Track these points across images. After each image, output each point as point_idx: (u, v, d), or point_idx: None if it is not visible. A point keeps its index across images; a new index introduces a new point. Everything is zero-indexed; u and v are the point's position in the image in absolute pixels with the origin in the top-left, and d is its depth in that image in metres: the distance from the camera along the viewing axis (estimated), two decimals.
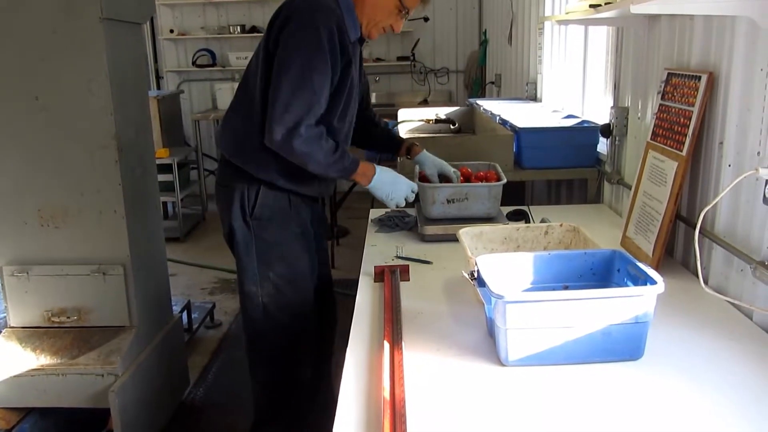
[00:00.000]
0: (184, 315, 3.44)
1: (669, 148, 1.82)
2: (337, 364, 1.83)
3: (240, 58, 6.63)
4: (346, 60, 1.85)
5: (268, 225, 1.97)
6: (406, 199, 2.00)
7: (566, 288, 1.47)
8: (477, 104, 3.93)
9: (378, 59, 6.74)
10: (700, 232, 1.46)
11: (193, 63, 6.96)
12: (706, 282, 1.55)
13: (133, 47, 2.52)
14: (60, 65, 2.25)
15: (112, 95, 2.26)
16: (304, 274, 2.05)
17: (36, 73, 2.26)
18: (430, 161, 2.23)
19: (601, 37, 3.14)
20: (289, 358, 2.09)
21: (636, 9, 1.52)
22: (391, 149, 2.35)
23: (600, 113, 3.02)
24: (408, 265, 1.87)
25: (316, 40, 1.76)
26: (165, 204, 5.60)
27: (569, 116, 3.18)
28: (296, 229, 2.02)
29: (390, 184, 1.96)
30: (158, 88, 7.02)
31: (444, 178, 2.22)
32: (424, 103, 6.61)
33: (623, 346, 1.30)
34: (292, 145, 1.78)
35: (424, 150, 2.26)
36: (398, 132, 2.50)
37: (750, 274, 1.47)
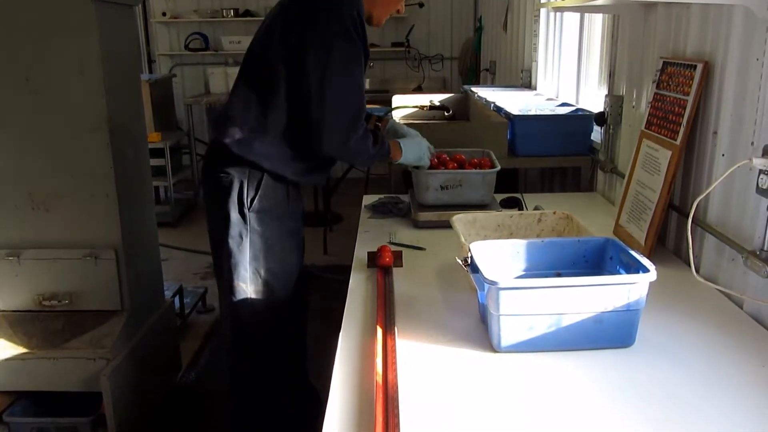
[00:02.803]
0: (177, 300, 3.44)
1: (663, 137, 1.83)
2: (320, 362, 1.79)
3: (233, 42, 6.56)
4: (365, 50, 1.85)
5: (264, 218, 1.93)
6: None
7: (559, 275, 1.48)
8: (471, 91, 3.92)
9: (372, 45, 6.69)
10: (692, 221, 1.47)
11: (186, 47, 6.90)
12: (697, 271, 1.56)
13: (125, 29, 2.49)
14: (51, 46, 2.22)
15: (104, 77, 2.24)
16: (293, 271, 2.02)
17: (26, 54, 2.23)
18: (393, 127, 2.23)
19: (597, 25, 3.13)
20: (276, 361, 2.05)
21: None
22: None
23: (595, 101, 3.02)
24: (401, 251, 1.87)
25: (347, 30, 1.74)
26: (157, 189, 5.57)
27: (564, 104, 3.17)
28: (291, 223, 2.00)
29: (416, 151, 2.06)
30: (150, 71, 6.96)
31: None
32: (419, 89, 6.58)
33: (615, 333, 1.31)
34: (349, 145, 1.80)
35: (389, 118, 2.29)
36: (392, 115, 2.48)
37: (741, 263, 1.48)
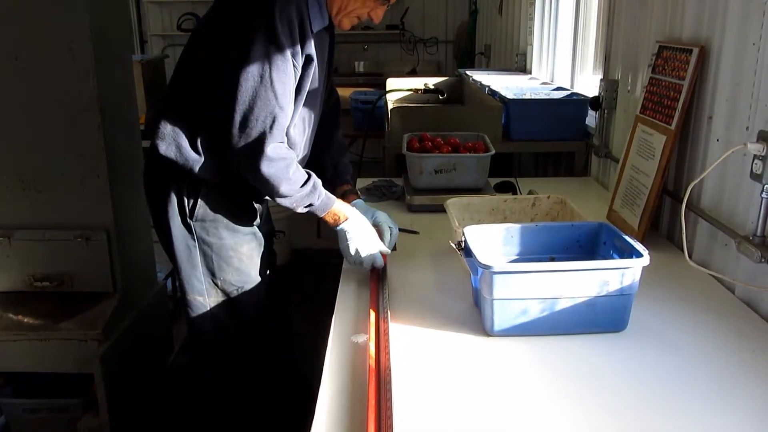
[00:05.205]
0: (169, 282, 3.42)
1: (658, 122, 1.82)
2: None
3: None
4: (306, 56, 1.54)
5: (212, 227, 1.69)
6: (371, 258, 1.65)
7: (552, 259, 1.47)
8: (466, 75, 3.90)
9: (366, 27, 6.65)
10: (686, 206, 1.47)
11: (178, 27, 6.83)
12: (690, 256, 1.56)
13: (117, 8, 2.45)
14: (41, 25, 2.18)
15: (94, 57, 2.20)
16: (256, 278, 1.79)
17: (15, 32, 2.19)
18: (364, 210, 1.80)
19: (593, 8, 3.12)
20: (248, 373, 1.87)
21: None
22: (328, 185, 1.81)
23: (590, 86, 3.01)
24: None
25: (272, 32, 1.45)
26: None
27: (559, 88, 3.16)
28: (245, 228, 1.75)
29: (358, 239, 1.64)
30: (142, 52, 6.90)
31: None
32: (413, 72, 6.56)
33: (608, 317, 1.31)
34: (260, 170, 1.51)
35: (360, 199, 1.87)
36: (347, 166, 1.83)
37: (734, 248, 1.49)
